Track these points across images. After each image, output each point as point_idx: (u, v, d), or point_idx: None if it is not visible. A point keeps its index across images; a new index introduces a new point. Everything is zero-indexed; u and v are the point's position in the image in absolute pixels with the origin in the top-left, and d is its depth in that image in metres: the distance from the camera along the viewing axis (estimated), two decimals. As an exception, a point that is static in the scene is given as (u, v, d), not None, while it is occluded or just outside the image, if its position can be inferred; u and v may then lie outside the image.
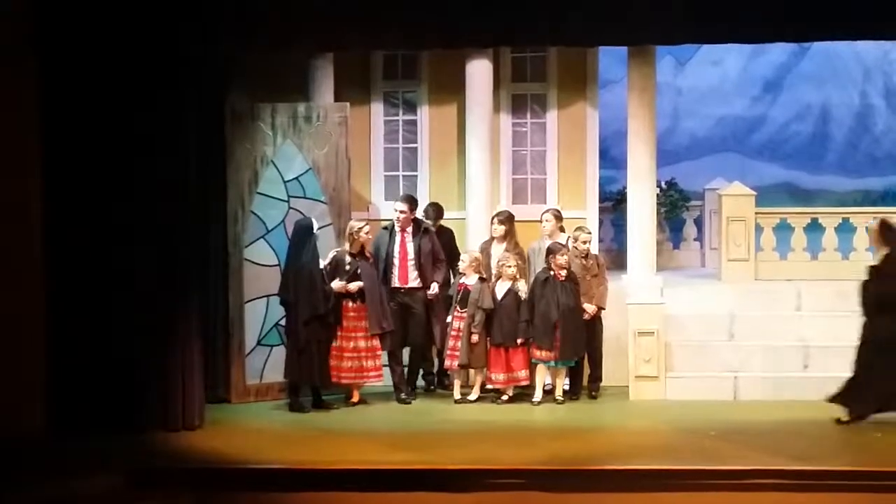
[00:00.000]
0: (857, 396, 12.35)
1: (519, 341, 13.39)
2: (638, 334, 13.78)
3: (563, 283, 13.42)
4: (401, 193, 14.85)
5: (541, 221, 14.07)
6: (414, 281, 13.73)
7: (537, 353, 13.39)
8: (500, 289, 13.49)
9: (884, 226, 12.75)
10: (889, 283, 12.34)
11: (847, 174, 22.30)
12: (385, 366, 13.62)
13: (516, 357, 13.44)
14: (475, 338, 13.38)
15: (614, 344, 13.99)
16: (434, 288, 13.64)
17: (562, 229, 14.08)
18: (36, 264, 11.92)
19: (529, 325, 13.37)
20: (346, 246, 13.39)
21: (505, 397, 13.46)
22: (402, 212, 13.71)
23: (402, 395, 13.58)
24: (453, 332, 13.48)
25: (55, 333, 12.00)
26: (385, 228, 13.91)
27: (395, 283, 13.69)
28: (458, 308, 13.49)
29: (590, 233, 14.19)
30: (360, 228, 13.40)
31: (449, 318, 13.53)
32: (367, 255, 13.48)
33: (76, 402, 11.95)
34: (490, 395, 13.62)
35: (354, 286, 13.21)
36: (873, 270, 12.58)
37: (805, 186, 22.13)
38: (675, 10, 11.86)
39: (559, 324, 13.30)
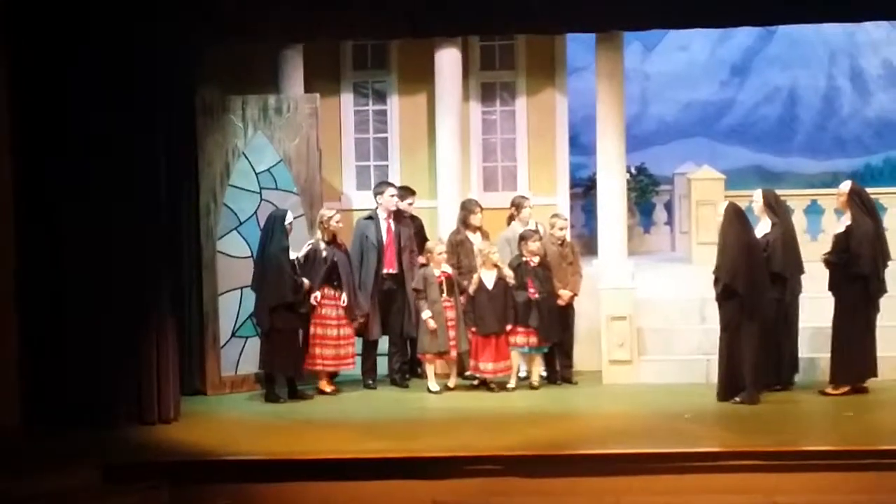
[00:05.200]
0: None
1: (508, 327, 13.42)
2: (610, 319, 13.85)
3: (535, 269, 13.49)
4: (374, 183, 14.85)
5: (517, 208, 14.12)
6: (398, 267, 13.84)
7: (512, 340, 13.44)
8: (488, 277, 13.50)
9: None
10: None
11: (815, 156, 22.37)
12: (358, 354, 13.68)
13: (505, 345, 13.49)
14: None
15: (587, 329, 14.06)
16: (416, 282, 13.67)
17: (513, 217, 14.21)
18: (7, 261, 11.88)
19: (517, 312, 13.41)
20: (319, 235, 13.42)
21: (510, 384, 13.49)
22: (393, 196, 13.90)
23: (370, 382, 13.72)
24: (450, 323, 13.48)
25: (28, 330, 11.96)
26: (369, 218, 13.94)
27: (384, 269, 13.78)
28: (447, 298, 13.49)
29: (566, 220, 14.28)
30: (331, 217, 13.45)
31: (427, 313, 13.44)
32: (339, 243, 13.53)
33: (51, 399, 11.91)
34: (467, 383, 13.68)
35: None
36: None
37: (774, 169, 22.17)
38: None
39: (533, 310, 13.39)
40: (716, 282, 12.76)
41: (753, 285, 12.55)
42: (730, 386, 12.59)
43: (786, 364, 13.03)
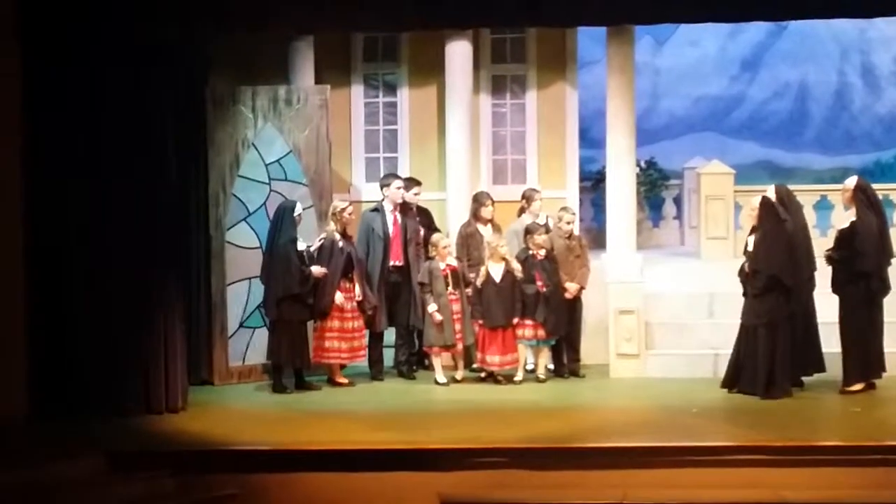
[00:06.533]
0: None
1: (515, 320, 13.41)
2: (618, 313, 13.84)
3: (542, 262, 13.48)
4: (383, 174, 14.83)
5: (528, 200, 14.11)
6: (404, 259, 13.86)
7: (520, 333, 13.44)
8: (496, 270, 13.48)
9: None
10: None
11: (825, 152, 22.41)
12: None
13: (512, 338, 13.48)
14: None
15: (595, 322, 14.05)
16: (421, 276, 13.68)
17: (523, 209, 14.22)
18: (16, 250, 11.90)
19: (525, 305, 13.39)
20: (333, 226, 13.41)
21: (517, 377, 13.47)
22: (399, 188, 13.88)
23: (377, 374, 13.74)
24: (455, 316, 13.49)
25: (37, 317, 11.98)
26: (375, 210, 13.95)
27: (390, 262, 13.79)
28: (453, 291, 13.51)
29: (574, 213, 14.26)
30: (344, 208, 13.45)
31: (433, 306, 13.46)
32: (349, 235, 13.55)
33: (59, 386, 11.95)
34: (474, 375, 13.68)
35: (319, 271, 13.22)
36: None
37: (784, 164, 22.23)
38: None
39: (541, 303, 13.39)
40: (754, 273, 12.62)
41: (797, 275, 12.46)
42: (770, 382, 12.48)
43: (797, 362, 12.91)
